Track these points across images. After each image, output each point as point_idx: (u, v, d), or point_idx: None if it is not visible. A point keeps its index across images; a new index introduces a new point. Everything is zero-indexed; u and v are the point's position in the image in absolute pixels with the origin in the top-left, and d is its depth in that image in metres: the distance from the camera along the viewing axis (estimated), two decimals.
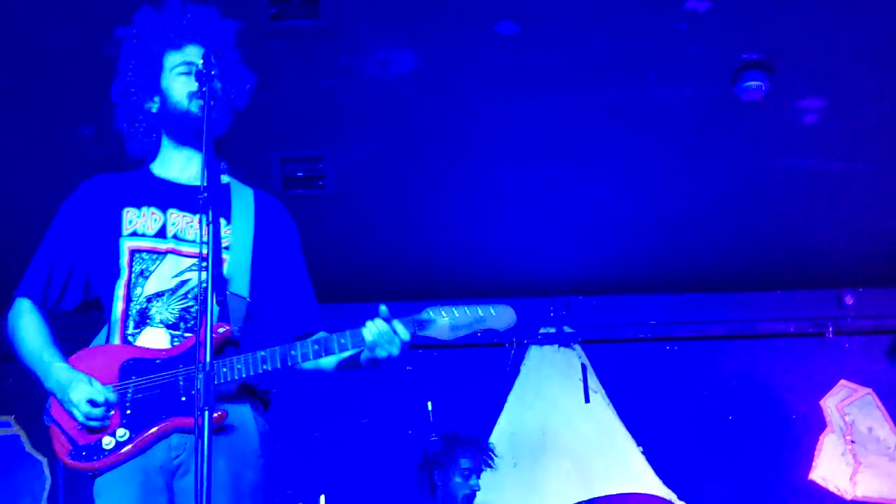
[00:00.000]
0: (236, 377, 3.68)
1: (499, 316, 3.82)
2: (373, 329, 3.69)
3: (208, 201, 3.45)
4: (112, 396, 3.70)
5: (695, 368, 9.16)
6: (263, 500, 3.86)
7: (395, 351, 3.70)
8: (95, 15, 5.74)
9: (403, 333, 3.70)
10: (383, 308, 3.72)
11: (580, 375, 9.07)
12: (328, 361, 3.92)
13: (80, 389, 3.69)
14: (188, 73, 3.96)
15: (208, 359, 3.28)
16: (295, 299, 4.07)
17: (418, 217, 7.98)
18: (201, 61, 3.79)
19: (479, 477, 7.25)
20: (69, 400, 3.68)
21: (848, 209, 8.11)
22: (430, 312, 3.76)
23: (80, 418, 3.67)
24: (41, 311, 4.00)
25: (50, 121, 6.67)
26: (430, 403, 6.26)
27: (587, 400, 9.00)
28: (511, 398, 9.02)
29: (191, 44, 4.03)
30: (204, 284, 3.37)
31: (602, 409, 9.02)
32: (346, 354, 3.83)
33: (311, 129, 7.03)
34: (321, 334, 3.85)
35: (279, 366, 3.71)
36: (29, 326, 3.95)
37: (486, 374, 9.05)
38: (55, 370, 3.78)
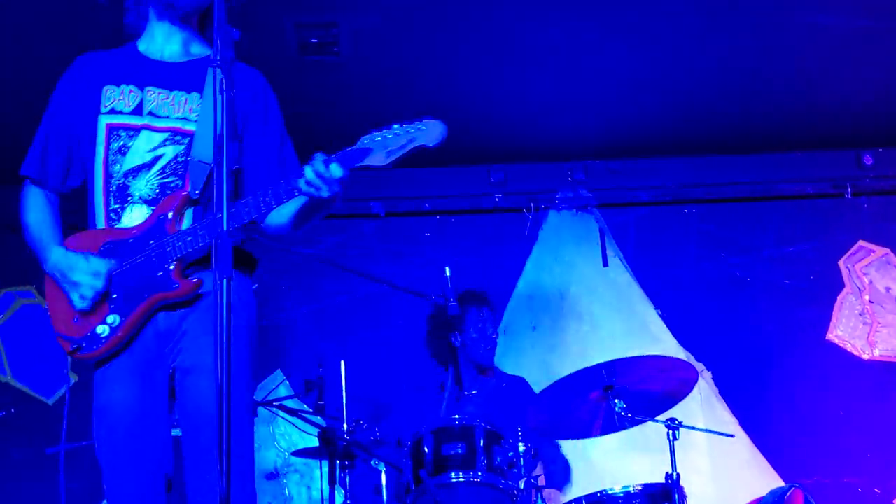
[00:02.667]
0: (200, 243, 3.75)
1: (428, 130, 3.81)
2: (308, 171, 3.73)
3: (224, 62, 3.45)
4: (111, 265, 3.80)
5: (712, 231, 9.16)
6: (256, 370, 3.97)
7: (335, 188, 3.75)
8: None
9: (337, 170, 3.72)
10: (318, 154, 3.77)
11: (598, 239, 9.09)
12: (285, 216, 4.02)
13: (78, 268, 3.79)
14: None
15: (224, 226, 3.28)
16: (267, 159, 4.11)
17: (435, 81, 7.92)
18: None
19: (495, 328, 7.28)
20: (74, 282, 3.79)
21: (868, 68, 8.02)
22: (365, 140, 3.78)
23: (89, 293, 3.77)
24: (46, 191, 4.09)
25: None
26: (447, 269, 6.25)
27: (605, 264, 9.03)
28: (529, 263, 9.05)
29: None
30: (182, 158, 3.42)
31: (620, 273, 9.05)
32: (293, 205, 3.93)
33: None
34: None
35: (255, 213, 3.78)
36: (31, 208, 4.06)
37: (505, 239, 9.07)
38: (53, 253, 3.89)
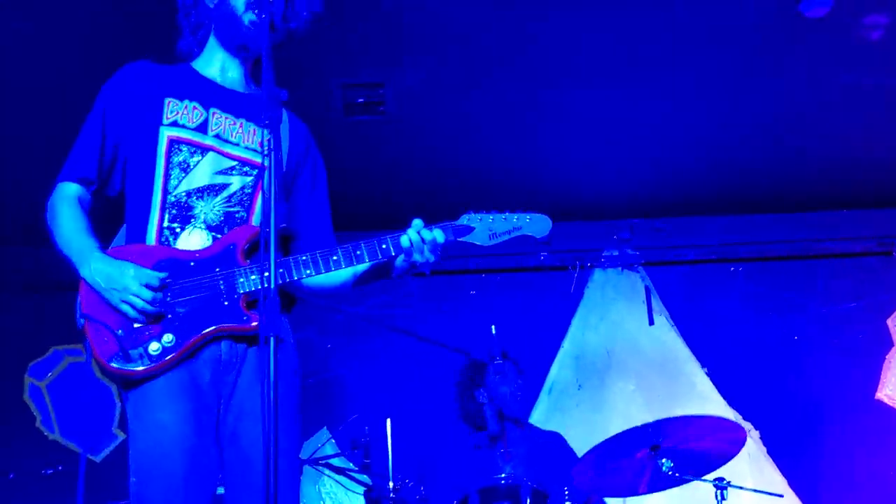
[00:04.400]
0: (278, 281, 3.64)
1: (534, 223, 3.89)
2: (413, 234, 3.77)
3: (270, 114, 3.49)
4: (163, 275, 3.69)
5: (758, 289, 9.12)
6: (302, 419, 3.93)
7: (433, 256, 3.78)
8: None
9: (441, 237, 3.77)
10: (417, 220, 3.80)
11: (644, 297, 9.07)
12: (347, 273, 3.99)
13: (133, 275, 3.65)
14: None
15: (272, 284, 3.31)
16: (317, 219, 4.14)
17: (479, 140, 7.96)
18: None
19: (520, 381, 7.20)
20: (124, 287, 3.63)
21: None
22: (468, 219, 3.82)
23: (139, 305, 3.65)
24: (84, 197, 3.95)
25: (110, 44, 6.67)
26: (493, 328, 6.26)
27: (651, 322, 9.00)
28: (575, 321, 9.05)
29: None
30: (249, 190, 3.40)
31: (666, 331, 9.02)
32: (378, 261, 3.87)
33: (371, 54, 7.00)
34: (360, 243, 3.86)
35: (322, 269, 3.77)
36: (69, 211, 3.88)
37: (550, 298, 9.07)
38: (97, 259, 3.72)
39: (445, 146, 7.97)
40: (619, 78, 7.34)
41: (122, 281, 3.64)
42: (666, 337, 9.00)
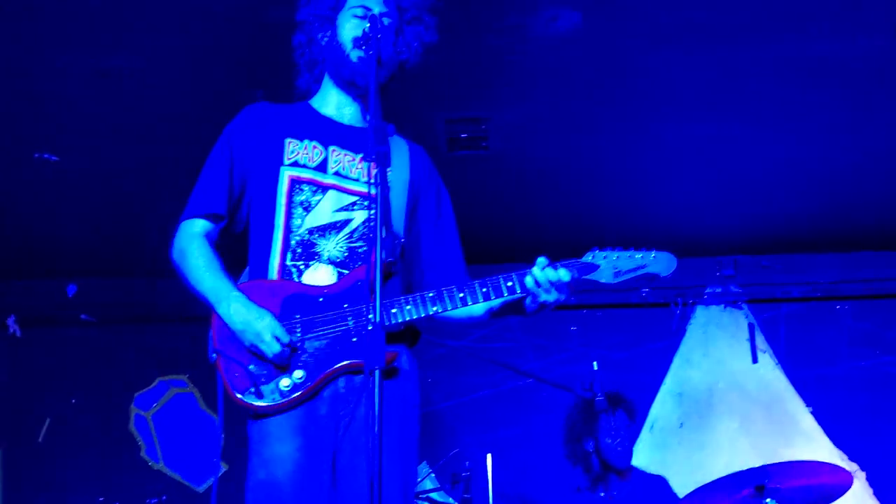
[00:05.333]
0: (406, 318, 3.73)
1: (659, 261, 3.85)
2: (538, 273, 3.74)
3: (379, 149, 3.53)
4: (295, 337, 3.73)
5: (865, 328, 8.98)
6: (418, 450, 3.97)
7: (561, 295, 3.75)
8: None
9: (566, 276, 3.75)
10: (542, 258, 3.77)
11: (747, 335, 8.98)
12: (481, 308, 3.97)
13: (266, 326, 3.70)
14: (361, 17, 4.04)
15: (377, 318, 3.33)
16: (446, 246, 4.13)
17: (583, 177, 7.95)
18: (378, 8, 3.99)
19: (630, 430, 7.12)
20: (256, 333, 3.69)
21: None
22: (593, 256, 3.79)
23: (269, 353, 3.69)
24: (212, 233, 4.01)
25: (222, 83, 6.79)
26: (595, 363, 6.24)
27: (755, 360, 8.91)
28: (677, 359, 8.98)
29: None
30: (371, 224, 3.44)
31: (770, 370, 8.92)
32: (506, 299, 3.86)
33: (475, 89, 7.03)
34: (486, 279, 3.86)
35: (449, 307, 3.75)
36: (200, 249, 3.93)
37: (652, 335, 9.01)
38: (236, 300, 3.78)
39: (547, 182, 7.97)
40: (725, 113, 7.29)
41: (256, 327, 3.70)
42: (770, 375, 8.90)
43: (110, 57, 6.57)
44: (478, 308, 3.96)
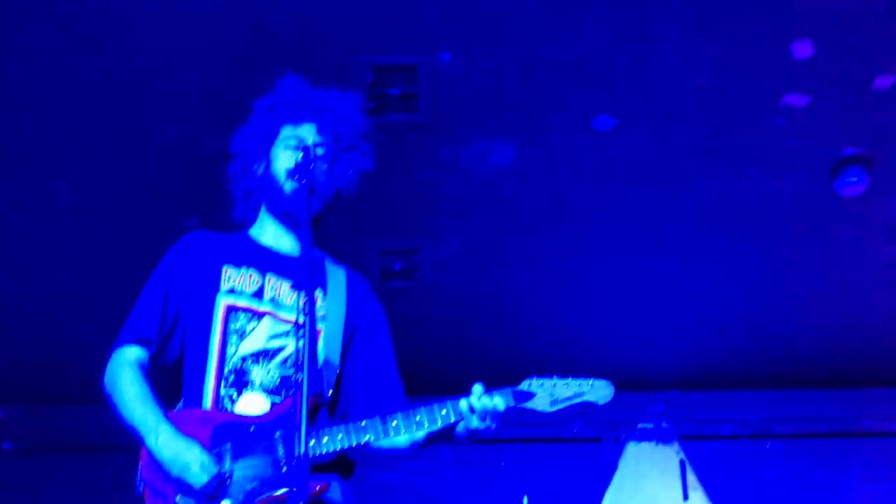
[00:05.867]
0: (337, 447, 3.64)
1: (597, 389, 3.78)
2: (473, 400, 3.66)
3: (308, 278, 3.51)
4: (224, 467, 3.64)
5: (796, 467, 8.98)
6: None
7: (493, 424, 3.68)
8: (200, 112, 5.89)
9: (501, 404, 3.65)
10: (478, 385, 3.68)
11: (679, 472, 8.95)
12: (412, 437, 3.92)
13: (194, 458, 3.61)
14: (294, 148, 4.03)
15: (303, 450, 3.29)
16: (384, 375, 4.08)
17: (515, 309, 7.96)
18: (312, 139, 3.98)
19: None
20: (185, 464, 3.59)
21: None
22: (528, 384, 3.74)
23: (197, 485, 3.59)
24: (145, 361, 3.91)
25: (156, 211, 6.79)
26: (525, 499, 6.20)
27: (686, 497, 8.86)
28: (608, 494, 8.91)
29: (309, 122, 4.10)
30: (300, 359, 3.40)
31: None
32: (431, 430, 3.79)
33: (409, 220, 7.08)
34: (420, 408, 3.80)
35: (382, 436, 3.69)
36: (130, 377, 3.84)
37: (584, 470, 8.96)
38: (164, 431, 3.68)
39: (481, 314, 7.98)
40: (660, 249, 7.37)
41: (184, 458, 3.61)
42: None
43: (44, 183, 6.56)
44: (405, 438, 3.91)
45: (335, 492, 3.84)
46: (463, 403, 3.68)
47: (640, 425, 9.09)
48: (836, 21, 5.69)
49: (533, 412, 3.74)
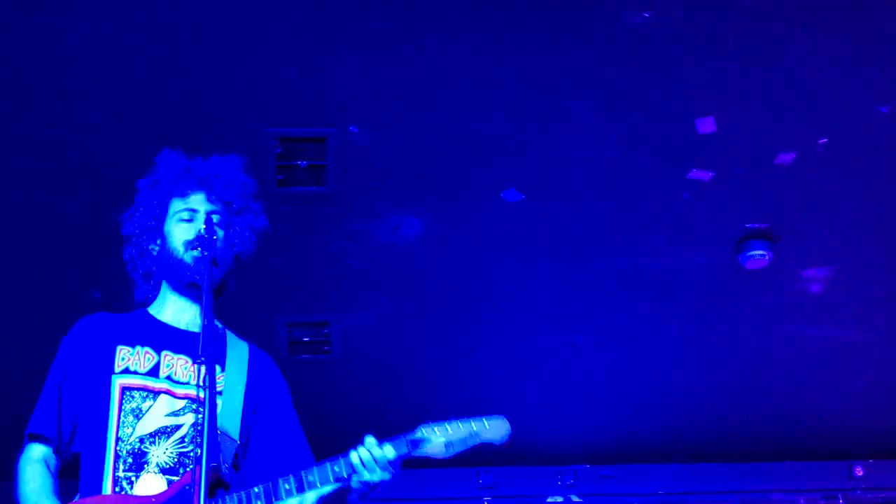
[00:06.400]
0: None
1: (493, 428, 3.75)
2: (363, 452, 3.62)
3: (209, 350, 3.46)
4: None
5: None
6: None
7: (387, 474, 3.63)
8: (105, 182, 5.84)
9: (392, 453, 3.61)
10: (369, 437, 3.65)
11: None
12: (312, 498, 3.87)
13: None
14: (188, 221, 3.98)
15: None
16: (290, 448, 4.02)
17: (426, 382, 7.94)
18: (203, 207, 3.94)
19: None
20: None
21: (857, 379, 8.07)
22: (424, 431, 3.68)
23: None
24: (50, 457, 3.87)
25: (61, 284, 6.72)
26: None
27: None
28: None
29: (197, 192, 4.07)
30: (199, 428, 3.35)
31: None
32: (328, 489, 3.73)
33: (318, 293, 7.05)
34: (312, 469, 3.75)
35: (274, 499, 3.65)
36: (31, 475, 3.82)
37: None
38: None
39: (391, 386, 7.95)
40: (568, 324, 7.41)
41: None
42: None
43: None
44: (309, 499, 3.87)
45: None
46: (353, 455, 3.63)
47: (549, 499, 9.08)
48: (738, 98, 5.78)
49: (429, 457, 3.72)
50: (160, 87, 5.59)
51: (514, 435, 8.33)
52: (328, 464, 3.65)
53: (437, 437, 3.68)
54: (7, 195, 6.18)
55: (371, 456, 3.62)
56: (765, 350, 7.77)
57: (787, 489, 9.14)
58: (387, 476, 3.63)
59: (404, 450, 3.65)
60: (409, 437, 3.68)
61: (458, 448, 3.70)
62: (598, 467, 9.15)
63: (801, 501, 9.10)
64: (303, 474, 3.64)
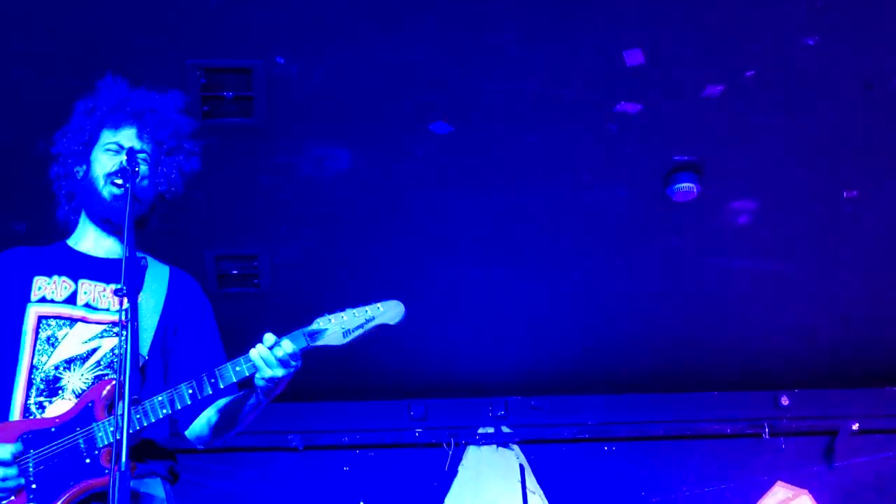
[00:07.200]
0: (137, 425, 3.59)
1: (387, 311, 3.83)
2: (261, 349, 3.67)
3: (130, 279, 3.46)
4: (18, 447, 3.59)
5: (633, 469, 9.12)
6: None
7: (290, 368, 3.67)
8: (29, 113, 5.77)
9: (290, 347, 3.67)
10: (268, 334, 3.71)
11: (518, 476, 9.01)
12: (213, 409, 3.90)
13: None
14: (114, 152, 3.98)
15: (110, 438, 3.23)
16: (206, 360, 4.02)
17: None
18: (131, 144, 3.93)
19: None
20: None
21: (783, 310, 8.17)
22: (320, 322, 3.74)
23: None
24: None
25: None
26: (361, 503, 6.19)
27: (525, 501, 8.93)
28: (448, 498, 8.94)
29: (129, 126, 4.04)
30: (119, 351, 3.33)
31: None
32: (225, 400, 3.82)
33: (246, 226, 7.02)
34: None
35: (178, 405, 3.64)
36: None
37: (424, 474, 8.97)
38: None
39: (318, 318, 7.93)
40: (495, 255, 7.42)
41: None
42: None
43: None
44: (211, 411, 3.89)
45: (157, 489, 3.80)
46: (253, 352, 3.67)
47: (480, 430, 9.13)
48: (667, 30, 5.78)
49: (327, 347, 3.76)
50: (83, 16, 5.50)
51: (443, 367, 8.44)
52: (229, 364, 3.68)
53: (333, 326, 3.73)
54: None
55: (270, 352, 3.65)
56: (692, 282, 7.84)
57: (713, 419, 9.24)
58: (289, 371, 3.66)
59: (303, 343, 3.70)
60: (306, 329, 3.73)
61: (356, 334, 3.77)
62: (529, 398, 9.21)
63: (728, 430, 9.21)
64: (204, 376, 3.65)
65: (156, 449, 3.86)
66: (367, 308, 3.84)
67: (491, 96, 6.12)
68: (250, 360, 3.68)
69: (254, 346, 3.71)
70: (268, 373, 3.67)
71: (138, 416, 3.62)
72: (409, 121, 6.27)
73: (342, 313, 3.79)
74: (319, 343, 3.74)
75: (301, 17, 5.58)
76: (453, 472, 9.03)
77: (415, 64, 5.92)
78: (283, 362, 3.68)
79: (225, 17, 5.54)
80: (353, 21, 5.62)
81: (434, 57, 5.87)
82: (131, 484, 3.50)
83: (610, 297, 7.97)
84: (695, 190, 6.74)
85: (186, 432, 4.01)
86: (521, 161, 6.58)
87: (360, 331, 3.79)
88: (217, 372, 3.68)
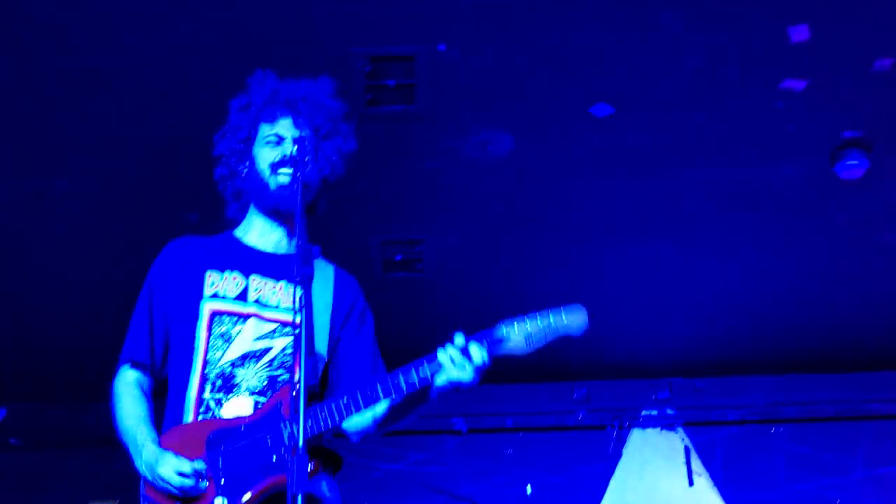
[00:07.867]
0: (322, 426, 3.65)
1: (571, 319, 3.74)
2: (450, 351, 3.63)
3: (303, 272, 3.50)
4: (199, 465, 3.67)
5: (801, 451, 8.99)
6: None
7: (471, 375, 3.63)
8: (201, 108, 5.89)
9: (477, 355, 3.63)
10: (459, 334, 3.66)
11: (683, 458, 8.96)
12: (383, 406, 3.87)
13: (166, 464, 3.66)
14: (276, 144, 4.05)
15: (301, 444, 3.28)
16: (366, 365, 4.06)
17: (517, 299, 7.92)
18: (290, 133, 4.01)
19: None
20: (159, 476, 3.65)
21: None
22: (503, 329, 3.71)
23: (175, 490, 3.65)
24: (143, 380, 4.00)
25: (157, 208, 6.81)
26: (529, 487, 6.20)
27: (691, 483, 8.88)
28: (613, 482, 8.93)
29: (284, 117, 4.11)
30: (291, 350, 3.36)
31: (706, 494, 8.89)
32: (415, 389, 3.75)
33: (409, 212, 7.08)
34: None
35: (362, 405, 3.67)
36: (127, 401, 3.94)
37: (588, 457, 8.97)
38: (146, 452, 3.75)
39: (482, 305, 7.94)
40: (660, 236, 7.37)
41: (159, 471, 3.66)
42: (706, 499, 8.87)
43: (45, 182, 6.59)
44: (380, 407, 3.90)
45: (324, 488, 3.86)
46: (441, 353, 3.63)
47: (644, 412, 9.10)
48: (833, 3, 5.67)
49: (511, 355, 3.72)
50: (249, 8, 5.61)
51: (607, 348, 8.42)
52: (412, 366, 3.68)
53: (516, 334, 3.70)
54: (102, 122, 6.25)
55: (458, 354, 3.63)
56: (860, 260, 7.69)
57: (885, 399, 9.06)
58: (471, 378, 3.65)
59: (487, 349, 3.65)
60: (490, 336, 3.69)
61: (539, 342, 3.70)
62: (693, 380, 9.14)
63: None
64: (388, 378, 3.67)
65: (330, 455, 3.93)
66: (550, 314, 3.76)
67: (653, 75, 6.07)
68: (435, 363, 3.65)
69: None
70: (454, 374, 3.65)
71: (323, 415, 3.69)
72: (570, 103, 6.25)
73: (523, 320, 3.75)
74: (503, 351, 3.72)
75: (461, 3, 5.61)
76: (617, 455, 9.02)
77: (576, 47, 5.89)
78: (468, 367, 3.65)
79: (388, 5, 5.60)
80: (512, 5, 5.63)
81: (595, 37, 5.84)
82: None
83: (776, 276, 7.86)
84: (862, 166, 6.60)
85: (345, 425, 3.97)
86: (686, 141, 6.52)
87: (544, 340, 3.72)
88: (402, 374, 3.66)
